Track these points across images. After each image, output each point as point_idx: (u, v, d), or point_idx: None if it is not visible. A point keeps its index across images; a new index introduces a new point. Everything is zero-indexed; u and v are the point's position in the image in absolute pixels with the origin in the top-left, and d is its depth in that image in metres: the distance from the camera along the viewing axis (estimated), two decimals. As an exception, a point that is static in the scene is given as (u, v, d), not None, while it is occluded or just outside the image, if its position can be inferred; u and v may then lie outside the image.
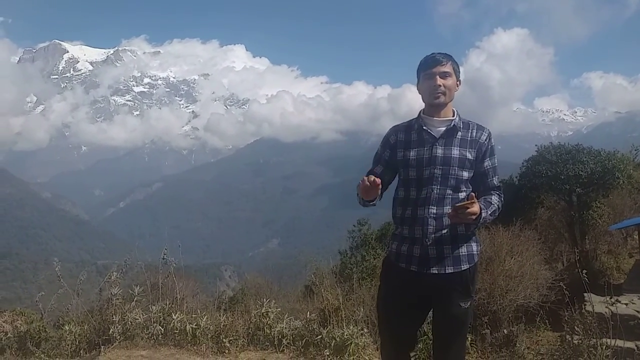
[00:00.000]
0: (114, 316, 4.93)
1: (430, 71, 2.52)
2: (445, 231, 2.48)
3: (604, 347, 4.12)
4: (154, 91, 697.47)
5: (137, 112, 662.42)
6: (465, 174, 2.52)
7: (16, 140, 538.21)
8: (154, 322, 5.00)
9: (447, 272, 2.49)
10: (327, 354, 4.60)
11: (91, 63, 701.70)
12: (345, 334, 4.64)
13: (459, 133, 2.54)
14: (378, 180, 2.39)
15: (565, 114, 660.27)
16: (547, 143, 19.84)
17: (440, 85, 2.50)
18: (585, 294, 5.33)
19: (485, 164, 2.57)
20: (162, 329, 4.96)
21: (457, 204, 2.33)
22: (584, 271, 4.53)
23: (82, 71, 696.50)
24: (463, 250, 2.52)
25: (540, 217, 17.60)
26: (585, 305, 5.33)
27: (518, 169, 20.18)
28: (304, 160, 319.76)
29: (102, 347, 4.72)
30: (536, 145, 19.83)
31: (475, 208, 2.30)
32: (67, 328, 4.92)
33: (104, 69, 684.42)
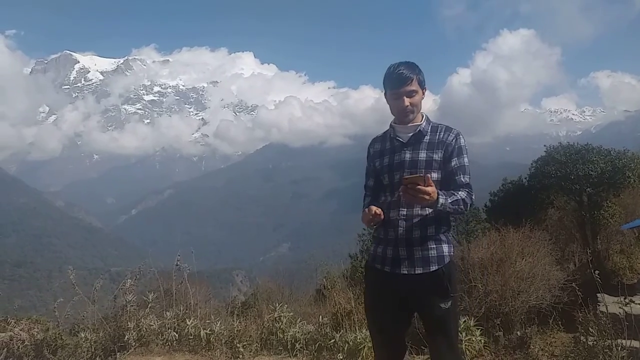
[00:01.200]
0: (128, 323, 4.99)
1: (397, 91, 2.59)
2: (415, 232, 2.55)
3: (619, 348, 4.09)
4: (164, 99, 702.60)
5: (148, 121, 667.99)
6: (434, 175, 2.56)
7: (29, 150, 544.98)
8: (168, 328, 5.05)
9: (416, 272, 2.53)
10: (341, 357, 4.62)
11: (102, 73, 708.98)
12: (359, 337, 4.65)
13: (426, 137, 2.63)
14: (379, 212, 2.53)
15: (573, 114, 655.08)
16: (556, 143, 19.70)
17: (408, 106, 2.59)
18: (598, 295, 5.28)
19: (453, 163, 2.59)
20: (177, 335, 5.01)
21: (406, 176, 2.38)
22: (597, 271, 4.50)
23: (93, 81, 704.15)
24: (432, 252, 2.55)
25: (550, 218, 17.47)
26: (598, 306, 5.29)
27: (527, 170, 20.06)
28: (312, 165, 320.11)
29: (117, 353, 4.77)
30: (545, 145, 19.70)
31: (429, 189, 2.30)
32: (83, 335, 4.97)
33: (114, 79, 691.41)
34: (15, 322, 5.24)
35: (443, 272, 2.55)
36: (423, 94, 2.66)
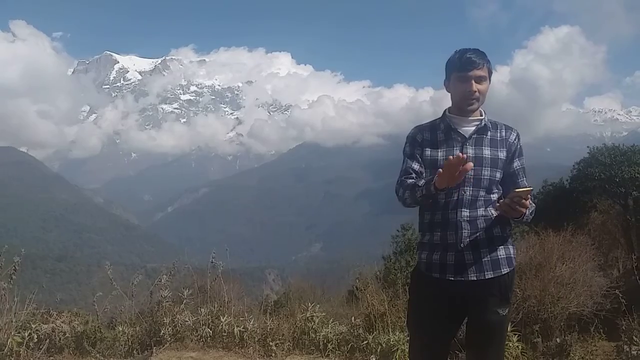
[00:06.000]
0: (164, 318, 5.06)
1: (466, 74, 2.34)
2: (480, 234, 2.33)
3: (665, 359, 3.92)
4: (200, 99, 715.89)
5: (184, 120, 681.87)
6: (498, 175, 2.38)
7: (71, 148, 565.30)
8: (202, 325, 5.11)
9: (486, 277, 2.32)
10: (374, 359, 4.59)
11: (140, 73, 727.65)
12: (392, 339, 4.60)
13: (489, 133, 2.41)
14: (462, 156, 2.09)
15: (619, 114, 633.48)
16: (600, 144, 19.16)
17: (475, 91, 2.35)
18: (643, 303, 5.10)
19: (515, 164, 2.44)
20: (211, 332, 5.06)
21: (518, 190, 2.16)
22: (643, 279, 4.33)
23: (132, 81, 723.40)
24: (501, 253, 2.36)
25: (593, 222, 16.95)
26: (644, 314, 5.10)
27: (569, 171, 19.54)
28: (345, 165, 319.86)
29: (153, 348, 4.86)
30: (588, 146, 19.18)
31: (527, 203, 2.16)
32: (121, 329, 5.09)
33: (152, 78, 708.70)
34: (57, 315, 5.39)
35: (508, 276, 2.38)
36: (488, 86, 2.43)
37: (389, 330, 4.88)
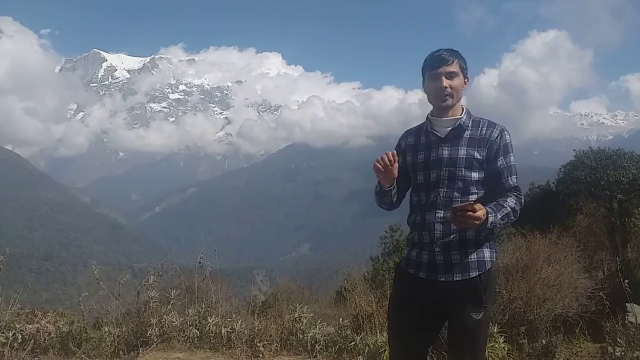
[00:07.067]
0: (151, 319, 5.03)
1: (436, 71, 2.38)
2: (453, 236, 2.34)
3: (648, 360, 3.98)
4: (189, 98, 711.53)
5: (173, 119, 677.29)
6: (475, 175, 2.36)
7: (57, 146, 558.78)
8: (190, 325, 5.09)
9: (455, 279, 2.34)
10: (361, 360, 4.59)
11: (128, 71, 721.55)
12: (379, 341, 4.62)
13: (467, 132, 2.40)
14: (393, 156, 2.34)
15: (605, 118, 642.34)
16: (586, 148, 19.42)
17: (446, 87, 2.37)
18: (627, 305, 5.18)
19: (499, 163, 2.37)
20: (198, 332, 5.04)
21: (454, 205, 2.18)
22: (626, 281, 4.39)
23: (120, 79, 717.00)
24: (472, 256, 2.35)
25: (578, 224, 17.13)
26: (627, 316, 5.17)
27: (555, 174, 19.75)
28: (334, 166, 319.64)
29: (140, 348, 4.83)
30: (574, 150, 19.42)
31: (479, 213, 2.12)
32: (107, 329, 5.04)
33: (140, 77, 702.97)
34: (41, 315, 5.34)
35: (480, 280, 2.35)
36: (465, 82, 2.44)
37: (376, 331, 4.89)
